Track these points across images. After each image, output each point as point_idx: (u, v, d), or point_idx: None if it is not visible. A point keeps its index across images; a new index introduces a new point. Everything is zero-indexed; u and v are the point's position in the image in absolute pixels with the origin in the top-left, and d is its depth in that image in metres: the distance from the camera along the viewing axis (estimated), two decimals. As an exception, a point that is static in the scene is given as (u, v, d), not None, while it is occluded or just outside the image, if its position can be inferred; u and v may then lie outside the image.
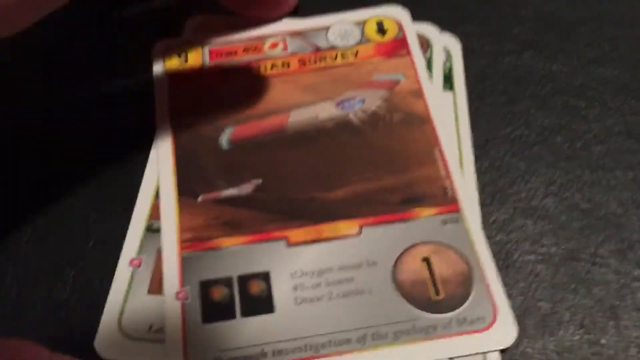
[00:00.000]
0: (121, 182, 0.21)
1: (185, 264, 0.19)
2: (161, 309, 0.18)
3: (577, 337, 0.18)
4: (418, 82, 0.22)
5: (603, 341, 0.18)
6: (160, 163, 0.21)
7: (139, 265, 0.19)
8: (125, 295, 0.18)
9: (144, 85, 0.23)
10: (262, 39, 0.24)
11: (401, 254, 0.19)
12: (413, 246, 0.19)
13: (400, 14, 0.24)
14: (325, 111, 0.22)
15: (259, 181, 0.20)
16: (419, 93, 0.22)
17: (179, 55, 0.24)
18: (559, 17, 0.25)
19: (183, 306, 0.18)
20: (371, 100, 0.22)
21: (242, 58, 0.23)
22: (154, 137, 0.22)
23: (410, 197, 0.20)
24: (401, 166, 0.20)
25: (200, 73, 0.23)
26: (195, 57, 0.23)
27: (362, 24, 0.24)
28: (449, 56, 0.23)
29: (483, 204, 0.20)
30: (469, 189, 0.20)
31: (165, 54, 0.24)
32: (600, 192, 0.20)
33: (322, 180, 0.20)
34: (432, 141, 0.21)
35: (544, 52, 0.24)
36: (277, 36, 0.24)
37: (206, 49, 0.24)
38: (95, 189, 0.21)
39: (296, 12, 0.24)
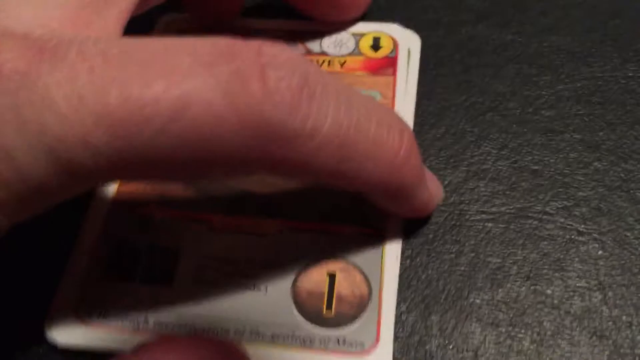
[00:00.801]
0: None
1: (110, 220, 0.20)
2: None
3: (523, 289, 0.19)
4: (392, 103, 0.22)
5: (549, 291, 0.19)
6: None
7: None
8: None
9: None
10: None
11: (309, 264, 0.19)
12: (324, 259, 0.19)
13: (399, 33, 0.24)
14: None
15: None
16: None
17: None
18: (515, -12, 0.26)
19: (92, 258, 0.19)
20: None
21: None
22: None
23: (340, 211, 0.20)
24: None
25: None
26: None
27: (359, 36, 0.24)
28: (409, 55, 0.23)
29: (438, 169, 0.21)
30: (397, 216, 0.20)
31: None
32: (549, 154, 0.22)
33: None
34: None
35: (498, 22, 0.25)
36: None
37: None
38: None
39: (363, 17, 0.24)
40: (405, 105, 0.22)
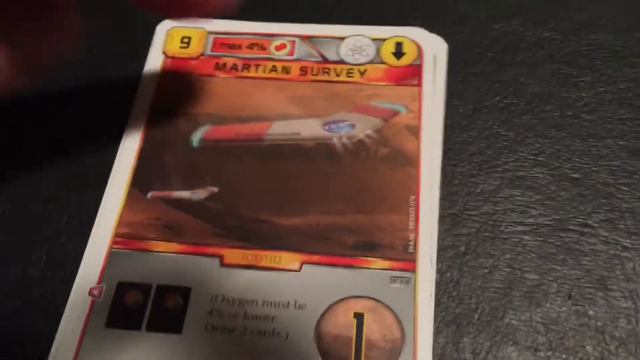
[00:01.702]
0: (95, 158, 0.20)
1: (111, 259, 0.18)
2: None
3: (564, 309, 0.17)
4: (419, 118, 0.20)
5: (591, 312, 0.17)
6: (124, 148, 0.20)
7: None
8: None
9: (137, 61, 0.22)
10: (271, 37, 0.22)
11: (334, 303, 0.17)
12: (351, 298, 0.17)
13: (423, 37, 0.22)
14: (309, 129, 0.20)
15: (214, 189, 0.19)
16: (415, 131, 0.20)
17: (182, 39, 0.22)
18: (551, -19, 0.24)
19: (92, 303, 0.17)
20: (361, 127, 0.20)
21: (244, 55, 0.22)
22: (129, 119, 0.21)
23: (367, 243, 0.18)
24: (368, 206, 0.18)
25: (196, 63, 0.22)
26: (198, 44, 0.22)
27: (380, 42, 0.22)
28: (434, 62, 0.21)
29: (470, 175, 0.20)
30: (429, 247, 0.18)
31: (168, 35, 0.22)
32: (590, 161, 0.20)
33: (279, 202, 0.19)
34: (412, 187, 0.19)
35: (534, 18, 0.23)
36: (286, 37, 0.22)
37: (211, 38, 0.22)
38: (69, 165, 0.21)
39: (386, 15, 0.22)
40: (433, 120, 0.20)
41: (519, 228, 0.19)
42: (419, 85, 0.21)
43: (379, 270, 0.17)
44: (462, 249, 0.18)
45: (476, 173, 0.20)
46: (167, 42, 0.22)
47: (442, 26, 0.23)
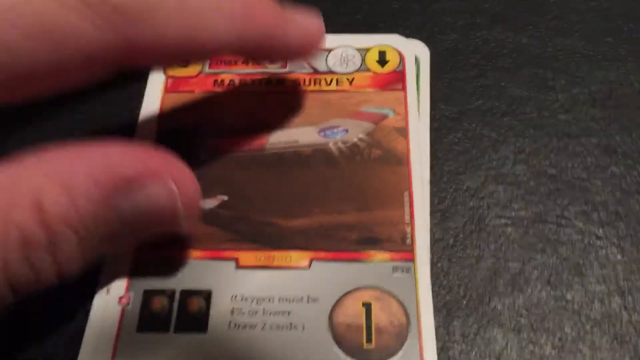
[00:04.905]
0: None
1: (136, 269, 0.19)
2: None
3: (544, 294, 0.19)
4: (406, 120, 0.22)
5: (569, 296, 0.19)
6: None
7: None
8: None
9: (141, 80, 0.23)
10: None
11: (344, 295, 0.18)
12: (358, 289, 0.19)
13: (404, 45, 0.24)
14: (306, 136, 0.22)
15: (224, 197, 0.20)
16: (403, 132, 0.22)
17: None
18: (528, -10, 0.26)
19: (123, 311, 0.18)
20: (354, 132, 0.22)
21: (240, 70, 0.23)
22: (134, 137, 0.22)
23: (368, 238, 0.19)
24: (367, 204, 0.20)
25: (196, 81, 0.23)
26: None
27: (364, 51, 0.23)
28: (417, 63, 0.23)
29: (456, 173, 0.21)
30: (424, 238, 0.20)
31: None
32: (566, 158, 0.22)
33: (284, 206, 0.20)
34: (405, 184, 0.20)
35: (513, 26, 0.25)
36: None
37: None
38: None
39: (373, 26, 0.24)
40: (419, 120, 0.22)
41: (502, 221, 0.20)
42: (404, 89, 0.22)
43: (382, 262, 0.19)
44: (451, 241, 0.20)
45: (462, 171, 0.21)
46: None
47: (428, 34, 0.25)
